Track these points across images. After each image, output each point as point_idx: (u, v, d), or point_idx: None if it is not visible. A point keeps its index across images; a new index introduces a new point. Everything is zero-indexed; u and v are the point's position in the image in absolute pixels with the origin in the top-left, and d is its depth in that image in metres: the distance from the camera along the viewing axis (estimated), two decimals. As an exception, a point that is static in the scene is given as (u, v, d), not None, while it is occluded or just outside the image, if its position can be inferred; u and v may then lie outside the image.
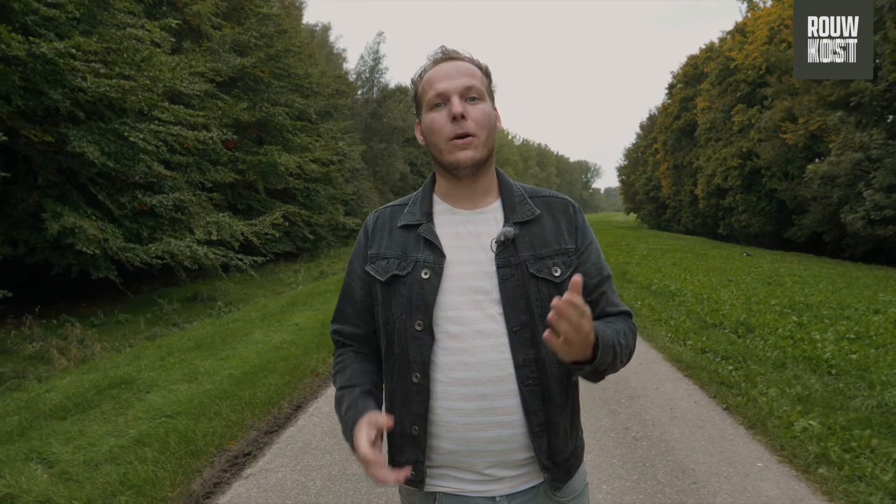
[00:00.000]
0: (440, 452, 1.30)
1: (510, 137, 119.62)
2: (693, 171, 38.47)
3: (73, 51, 8.82)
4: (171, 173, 12.17)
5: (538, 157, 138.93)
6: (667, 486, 3.53)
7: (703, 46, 40.75)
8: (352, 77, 37.58)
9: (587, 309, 1.10)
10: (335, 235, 25.15)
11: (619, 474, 3.71)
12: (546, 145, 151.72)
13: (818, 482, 3.55)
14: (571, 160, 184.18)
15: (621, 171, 66.81)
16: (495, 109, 1.37)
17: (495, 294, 1.28)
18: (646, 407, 4.94)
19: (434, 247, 1.31)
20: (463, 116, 1.26)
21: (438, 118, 1.28)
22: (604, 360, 1.19)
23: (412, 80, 1.38)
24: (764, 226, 28.36)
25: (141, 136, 10.23)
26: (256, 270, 14.14)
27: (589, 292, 1.36)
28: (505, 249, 1.29)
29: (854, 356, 6.01)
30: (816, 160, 21.31)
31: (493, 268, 1.29)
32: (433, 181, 1.43)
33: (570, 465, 1.35)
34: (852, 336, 6.96)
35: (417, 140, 1.41)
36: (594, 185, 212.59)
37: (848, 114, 18.95)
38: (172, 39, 12.69)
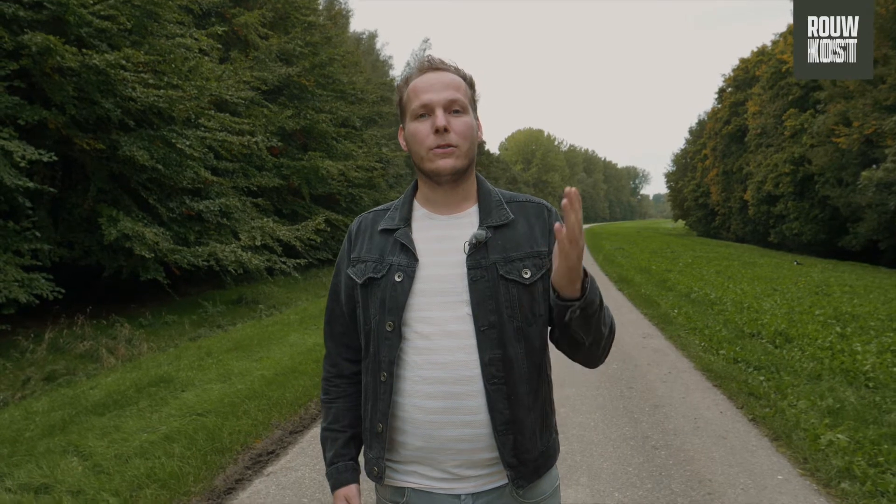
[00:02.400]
0: (408, 449, 1.36)
1: (556, 143, 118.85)
2: (743, 177, 37.58)
3: (124, 62, 9.20)
4: (218, 179, 12.54)
5: (585, 164, 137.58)
6: (680, 497, 3.51)
7: (755, 49, 39.82)
8: (397, 84, 37.98)
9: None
10: (378, 240, 25.37)
11: (634, 483, 3.70)
12: (593, 151, 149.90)
13: (839, 497, 3.48)
14: (619, 166, 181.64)
15: (669, 177, 65.50)
16: (477, 120, 1.41)
17: (465, 295, 1.32)
18: (669, 416, 4.90)
19: (408, 251, 1.37)
20: (446, 129, 1.30)
21: (422, 128, 1.33)
22: (593, 298, 1.21)
23: (397, 86, 1.44)
24: (817, 234, 27.49)
25: (188, 143, 10.60)
26: (300, 273, 14.43)
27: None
28: (476, 252, 1.34)
29: (896, 369, 5.82)
30: (872, 166, 20.56)
31: (465, 270, 1.33)
32: (415, 188, 1.48)
33: (539, 466, 1.37)
34: (897, 348, 6.73)
35: (401, 144, 1.46)
36: (642, 192, 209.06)
37: (905, 118, 18.26)
38: (219, 47, 13.09)
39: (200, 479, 3.68)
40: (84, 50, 8.80)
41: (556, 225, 1.11)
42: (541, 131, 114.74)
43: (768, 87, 31.99)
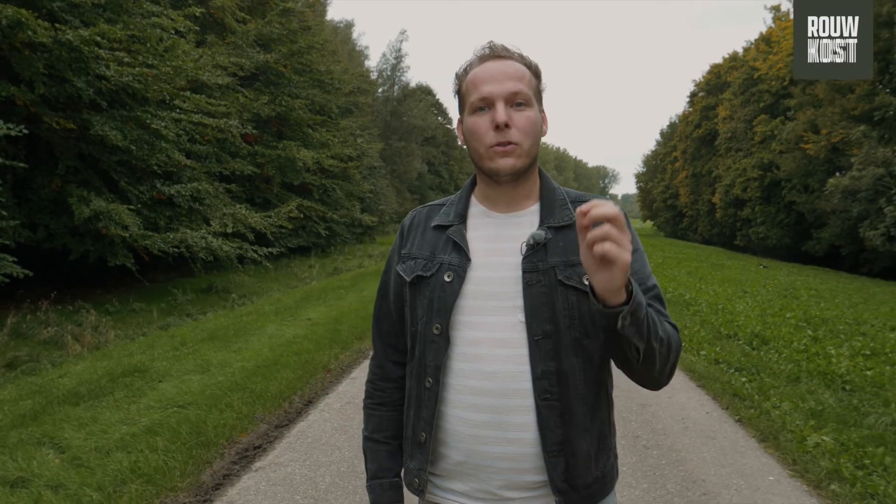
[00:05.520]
0: (449, 462, 1.27)
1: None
2: (712, 180, 38.30)
3: (98, 39, 8.87)
4: (191, 162, 12.21)
5: (556, 161, 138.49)
6: (677, 497, 3.50)
7: (727, 55, 40.53)
8: (373, 75, 37.69)
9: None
10: (350, 232, 25.23)
11: (629, 482, 3.68)
12: (564, 149, 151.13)
13: (830, 498, 3.51)
14: (590, 165, 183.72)
15: (639, 178, 66.56)
16: (542, 112, 1.30)
17: (519, 300, 1.21)
18: (657, 416, 4.91)
19: (460, 249, 1.27)
20: (507, 125, 1.20)
21: (481, 123, 1.22)
22: (640, 300, 1.05)
23: (456, 74, 1.32)
24: (782, 238, 28.15)
25: (162, 125, 10.30)
26: (271, 263, 14.22)
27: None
28: (534, 254, 1.22)
29: (869, 373, 5.96)
30: (837, 174, 21.10)
31: (520, 273, 1.22)
32: (473, 183, 1.38)
33: (593, 493, 1.25)
34: (868, 352, 6.90)
35: (458, 139, 1.37)
36: (612, 192, 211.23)
37: (871, 128, 18.75)
38: (196, 29, 12.75)
39: (187, 475, 3.55)
40: (57, 25, 8.46)
41: (580, 208, 0.97)
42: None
43: (739, 92, 32.58)
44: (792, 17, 28.49)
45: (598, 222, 0.96)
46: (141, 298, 11.85)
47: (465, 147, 1.33)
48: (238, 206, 14.00)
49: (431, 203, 1.43)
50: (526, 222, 1.28)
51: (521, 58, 1.27)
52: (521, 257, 1.23)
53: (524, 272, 1.22)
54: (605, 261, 0.97)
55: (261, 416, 4.68)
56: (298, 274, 17.28)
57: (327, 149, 20.00)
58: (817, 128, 21.73)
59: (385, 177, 32.46)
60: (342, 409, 5.01)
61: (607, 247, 0.95)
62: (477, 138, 1.23)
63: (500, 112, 1.19)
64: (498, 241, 1.28)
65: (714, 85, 41.05)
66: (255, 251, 12.98)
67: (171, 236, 10.87)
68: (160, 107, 10.88)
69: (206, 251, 11.52)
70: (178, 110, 11.19)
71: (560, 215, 1.27)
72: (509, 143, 1.20)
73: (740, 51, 37.90)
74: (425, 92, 52.18)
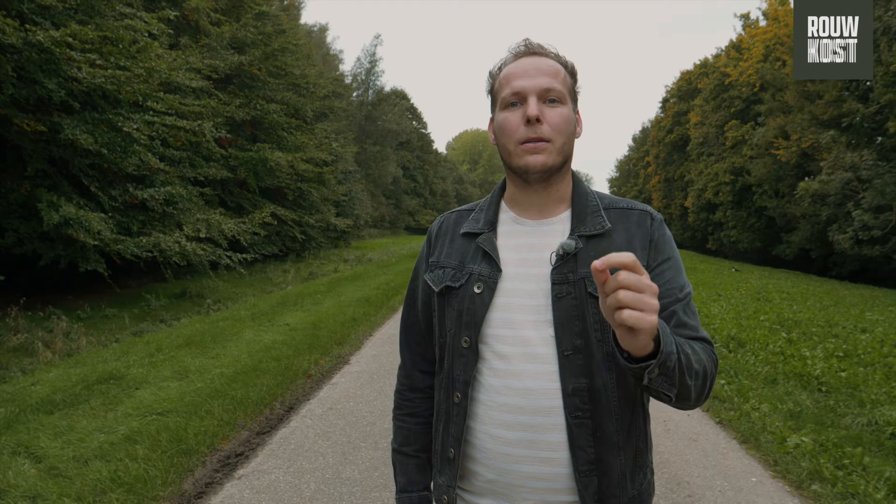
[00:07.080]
0: (479, 479, 1.23)
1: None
2: (684, 185, 38.88)
3: (70, 40, 8.70)
4: (164, 165, 12.01)
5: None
6: (662, 499, 3.52)
7: (698, 62, 41.20)
8: (348, 79, 37.59)
9: (649, 281, 0.91)
10: (326, 237, 25.08)
11: (614, 485, 3.69)
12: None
13: (812, 498, 3.56)
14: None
15: (612, 182, 67.29)
16: (577, 113, 1.26)
17: (549, 314, 1.16)
18: (639, 418, 4.94)
19: (491, 260, 1.23)
20: (538, 119, 1.16)
21: (512, 118, 1.19)
22: (669, 350, 0.99)
23: (490, 73, 1.28)
24: (753, 242, 28.64)
25: (134, 127, 10.12)
26: (245, 269, 14.05)
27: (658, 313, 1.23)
28: (564, 264, 1.17)
29: (843, 374, 6.07)
30: (806, 178, 21.54)
31: (549, 284, 1.17)
32: (503, 187, 1.34)
33: None
34: (841, 354, 7.04)
35: (489, 138, 1.32)
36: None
37: (840, 133, 19.19)
38: (170, 32, 12.57)
39: (169, 483, 3.47)
40: (27, 26, 8.28)
41: (594, 265, 0.89)
42: (487, 132, 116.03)
43: (710, 98, 33.15)
44: (759, 25, 29.15)
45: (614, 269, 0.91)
46: (113, 304, 11.62)
47: (494, 144, 1.28)
48: (212, 211, 13.82)
49: (460, 208, 1.39)
50: (557, 230, 1.24)
51: (557, 56, 1.24)
52: (550, 267, 1.19)
53: (553, 284, 1.17)
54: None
55: (242, 422, 4.61)
56: (273, 279, 17.09)
57: (302, 152, 19.87)
58: (787, 133, 22.20)
59: (360, 181, 32.35)
60: (324, 415, 4.96)
61: (626, 315, 0.88)
62: (507, 134, 1.20)
63: (532, 106, 1.16)
64: (527, 250, 1.24)
65: (685, 91, 41.74)
66: (230, 257, 12.83)
67: (144, 240, 10.67)
68: (133, 109, 10.70)
69: (180, 255, 11.34)
70: (150, 112, 11.02)
71: (592, 223, 1.22)
72: (540, 139, 1.16)
73: (711, 58, 38.57)
74: (400, 96, 52.23)
